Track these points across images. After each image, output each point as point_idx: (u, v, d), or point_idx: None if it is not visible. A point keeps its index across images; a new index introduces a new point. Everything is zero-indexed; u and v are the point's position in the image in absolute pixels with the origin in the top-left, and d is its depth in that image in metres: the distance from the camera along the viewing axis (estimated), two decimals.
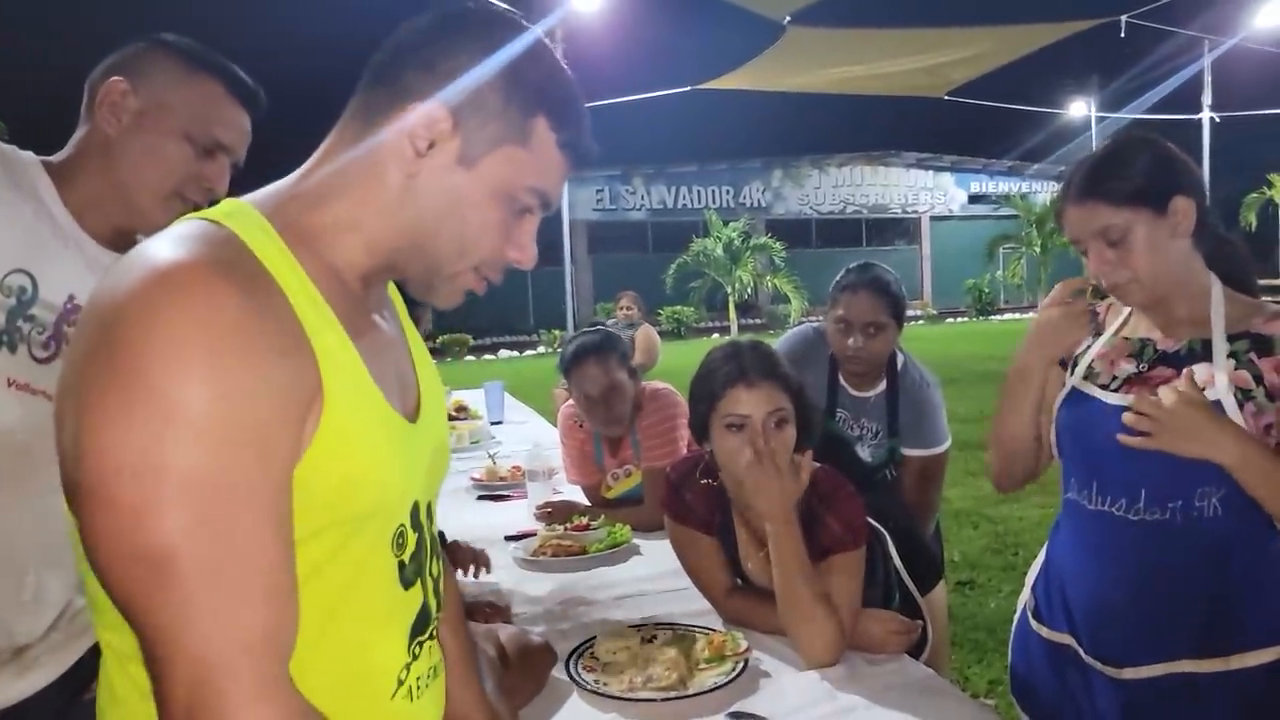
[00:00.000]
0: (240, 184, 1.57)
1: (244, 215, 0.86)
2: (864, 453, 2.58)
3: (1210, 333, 1.54)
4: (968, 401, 8.15)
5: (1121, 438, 1.51)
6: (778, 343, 2.71)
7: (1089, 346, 1.70)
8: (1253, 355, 1.51)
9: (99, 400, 0.72)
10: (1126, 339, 1.66)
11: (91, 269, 1.46)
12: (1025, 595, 1.83)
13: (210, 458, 0.72)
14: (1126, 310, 1.69)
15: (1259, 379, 1.49)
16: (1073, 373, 1.71)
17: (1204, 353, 1.54)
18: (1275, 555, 1.54)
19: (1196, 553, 1.53)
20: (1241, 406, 1.49)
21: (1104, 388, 1.62)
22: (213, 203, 1.54)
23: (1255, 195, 25.17)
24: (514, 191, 0.92)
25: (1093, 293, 1.67)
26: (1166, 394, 1.47)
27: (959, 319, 24.28)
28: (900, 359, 2.60)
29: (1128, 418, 1.50)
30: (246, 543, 0.74)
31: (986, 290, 25.97)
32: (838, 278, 2.57)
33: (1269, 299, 1.66)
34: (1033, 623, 1.78)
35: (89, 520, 0.73)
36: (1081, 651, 1.66)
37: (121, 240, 1.54)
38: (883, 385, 2.58)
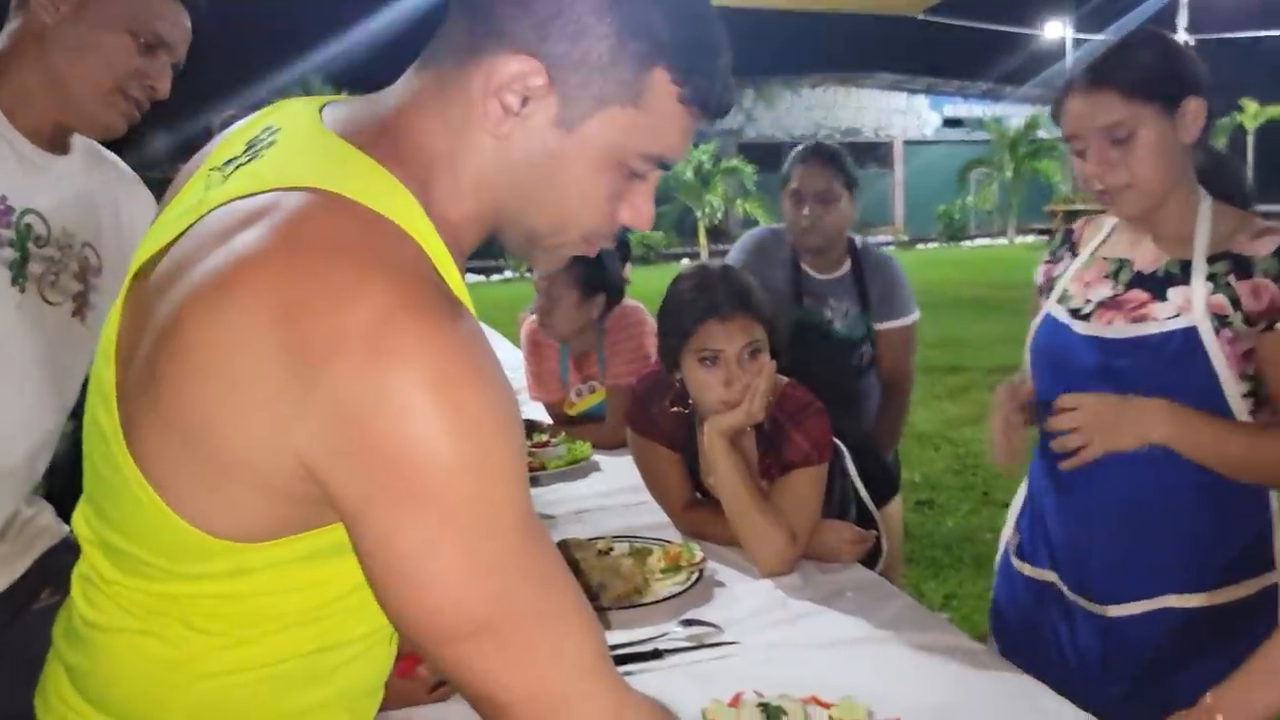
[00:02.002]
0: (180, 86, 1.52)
1: (397, 196, 0.75)
2: (838, 329, 2.61)
3: (1191, 253, 1.49)
4: (937, 327, 8.18)
5: (1062, 465, 1.53)
6: (733, 251, 2.72)
7: (1066, 268, 1.65)
8: (1231, 277, 1.45)
9: (391, 498, 0.68)
10: (1104, 259, 1.60)
11: (25, 168, 1.41)
12: (1008, 532, 1.79)
13: (516, 494, 0.72)
14: (1107, 227, 1.63)
15: (1236, 303, 1.44)
16: (1048, 296, 1.66)
17: (1182, 275, 1.49)
18: (1253, 485, 1.54)
19: (1178, 484, 1.50)
20: (1217, 333, 1.44)
21: (1076, 312, 1.58)
22: (154, 102, 1.50)
23: (1225, 120, 25.19)
24: (623, 158, 0.80)
25: (1064, 218, 1.65)
26: (1067, 400, 1.49)
27: (930, 244, 24.32)
28: (858, 240, 2.68)
29: (1055, 444, 1.52)
30: (552, 570, 0.74)
31: (958, 216, 25.97)
32: (790, 155, 2.63)
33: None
34: (1015, 560, 1.75)
35: (400, 595, 0.71)
36: (1065, 589, 1.64)
37: (58, 138, 1.48)
38: (847, 265, 2.64)
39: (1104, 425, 1.46)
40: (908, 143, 29.90)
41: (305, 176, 0.73)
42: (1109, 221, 1.63)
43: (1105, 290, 1.56)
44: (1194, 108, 1.44)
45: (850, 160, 2.64)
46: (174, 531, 0.74)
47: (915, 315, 2.72)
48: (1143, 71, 1.44)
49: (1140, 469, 1.50)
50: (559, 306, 2.73)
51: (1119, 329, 1.51)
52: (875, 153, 30.00)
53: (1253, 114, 25.01)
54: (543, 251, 0.87)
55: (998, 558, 1.84)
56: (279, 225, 0.70)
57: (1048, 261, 1.73)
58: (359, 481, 0.68)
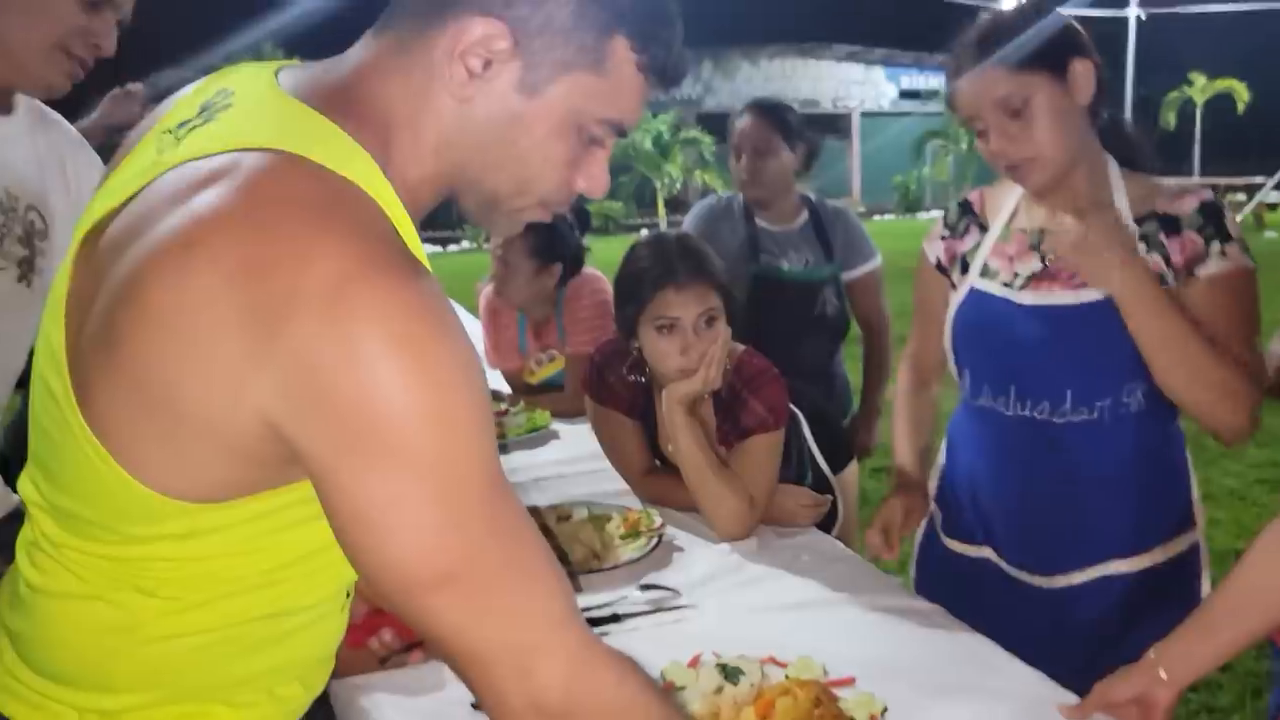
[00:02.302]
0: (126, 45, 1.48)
1: (357, 158, 0.75)
2: (797, 274, 2.64)
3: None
4: (892, 297, 8.20)
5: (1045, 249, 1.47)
6: (686, 221, 2.74)
7: (977, 244, 1.62)
8: (1161, 235, 1.45)
9: (353, 450, 0.69)
10: (1022, 231, 1.57)
11: None
12: (929, 508, 1.77)
13: (485, 450, 0.73)
14: (1013, 199, 1.59)
15: (1168, 260, 1.45)
16: (965, 273, 1.62)
17: None
18: (1178, 437, 1.57)
19: (1126, 450, 1.51)
20: None
21: (1008, 286, 1.55)
22: (99, 61, 1.46)
23: (1175, 94, 25.55)
24: (583, 123, 0.82)
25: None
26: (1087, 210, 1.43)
27: (887, 216, 24.48)
28: (813, 196, 2.72)
29: (1047, 244, 1.47)
30: (519, 524, 0.75)
31: (914, 188, 26.14)
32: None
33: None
34: (945, 539, 1.73)
35: (369, 547, 0.71)
36: (1004, 564, 1.63)
37: (1, 98, 1.44)
38: (804, 217, 2.68)
39: (1088, 247, 1.40)
40: (865, 114, 30.00)
41: (264, 138, 0.73)
42: (1012, 192, 1.59)
43: (1033, 263, 1.53)
44: (1081, 69, 1.43)
45: (794, 115, 2.67)
46: (127, 493, 0.73)
47: (879, 259, 2.79)
48: (1024, 41, 1.44)
49: (1091, 436, 1.50)
50: (515, 275, 2.71)
51: (1061, 297, 1.49)
52: (833, 124, 30.06)
53: (1201, 88, 25.40)
54: (501, 216, 0.87)
55: (918, 536, 1.81)
56: (240, 185, 0.70)
57: (946, 238, 1.68)
58: (327, 438, 0.68)
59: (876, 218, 23.55)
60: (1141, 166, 1.56)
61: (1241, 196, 16.62)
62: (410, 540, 0.70)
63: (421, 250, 0.77)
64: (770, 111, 2.64)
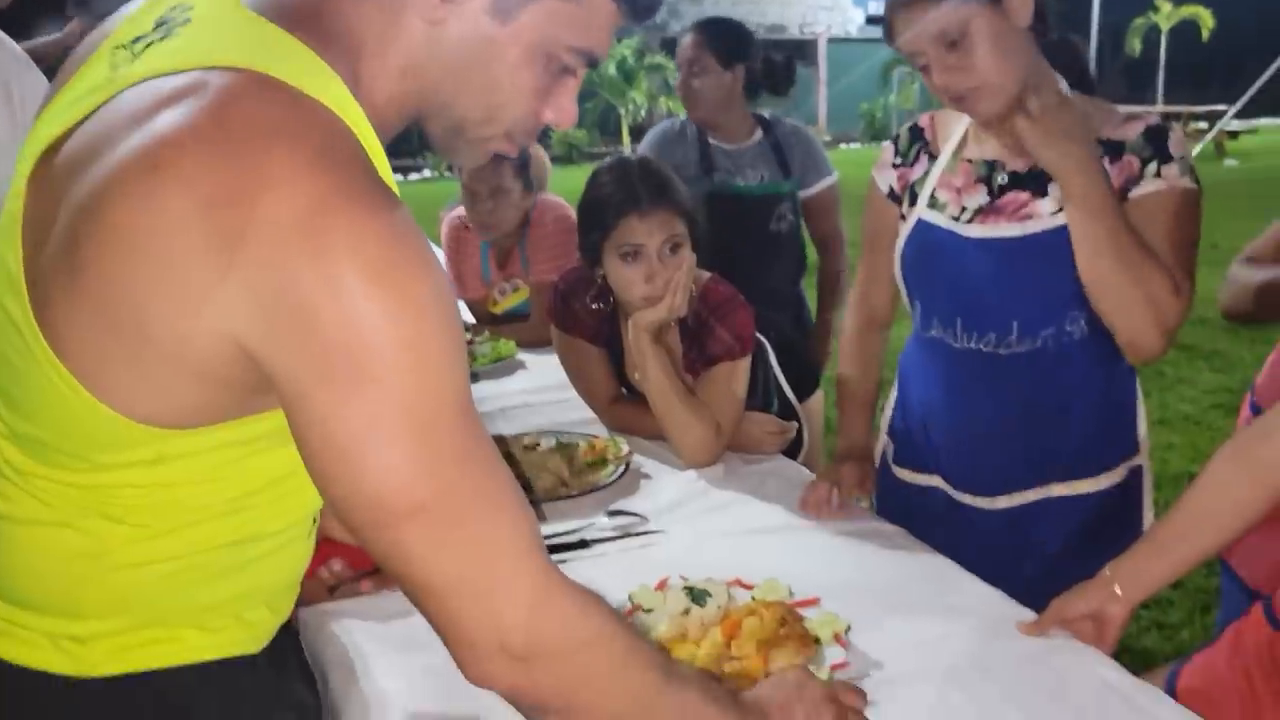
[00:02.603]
0: None
1: (328, 80, 0.73)
2: (752, 189, 2.64)
3: None
4: (853, 227, 8.20)
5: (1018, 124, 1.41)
6: (642, 145, 2.72)
7: (926, 173, 1.59)
8: (1105, 160, 1.43)
9: (329, 377, 0.68)
10: (969, 161, 1.55)
11: None
12: (882, 440, 1.79)
13: (457, 380, 0.72)
14: (961, 126, 1.57)
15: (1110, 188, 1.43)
16: (914, 203, 1.60)
17: None
18: (1124, 368, 1.58)
19: (1069, 378, 1.52)
20: None
21: (956, 220, 1.53)
22: None
23: (1140, 20, 25.46)
24: (554, 51, 0.80)
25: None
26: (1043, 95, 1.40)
27: (852, 144, 24.36)
28: (768, 114, 2.72)
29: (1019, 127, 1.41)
30: (489, 456, 0.75)
31: (880, 115, 26.00)
32: None
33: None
34: (895, 468, 1.75)
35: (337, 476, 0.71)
36: (950, 490, 1.65)
37: None
38: (759, 134, 2.67)
39: (1049, 129, 1.38)
40: (832, 40, 29.66)
41: (231, 56, 0.71)
42: (961, 119, 1.57)
43: (980, 196, 1.52)
44: None
45: (736, 34, 2.66)
46: (94, 418, 0.72)
47: (836, 176, 2.80)
48: None
49: (1035, 366, 1.51)
50: (505, 201, 2.68)
51: (1007, 229, 1.49)
52: (800, 51, 29.69)
53: (1166, 14, 25.29)
54: (466, 144, 0.86)
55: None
56: (208, 105, 0.68)
57: (898, 165, 1.65)
58: (304, 365, 0.68)
59: (843, 145, 23.43)
60: (1091, 89, 1.54)
61: (1204, 124, 16.70)
62: (382, 469, 0.70)
63: (392, 177, 0.76)
64: (705, 29, 2.63)
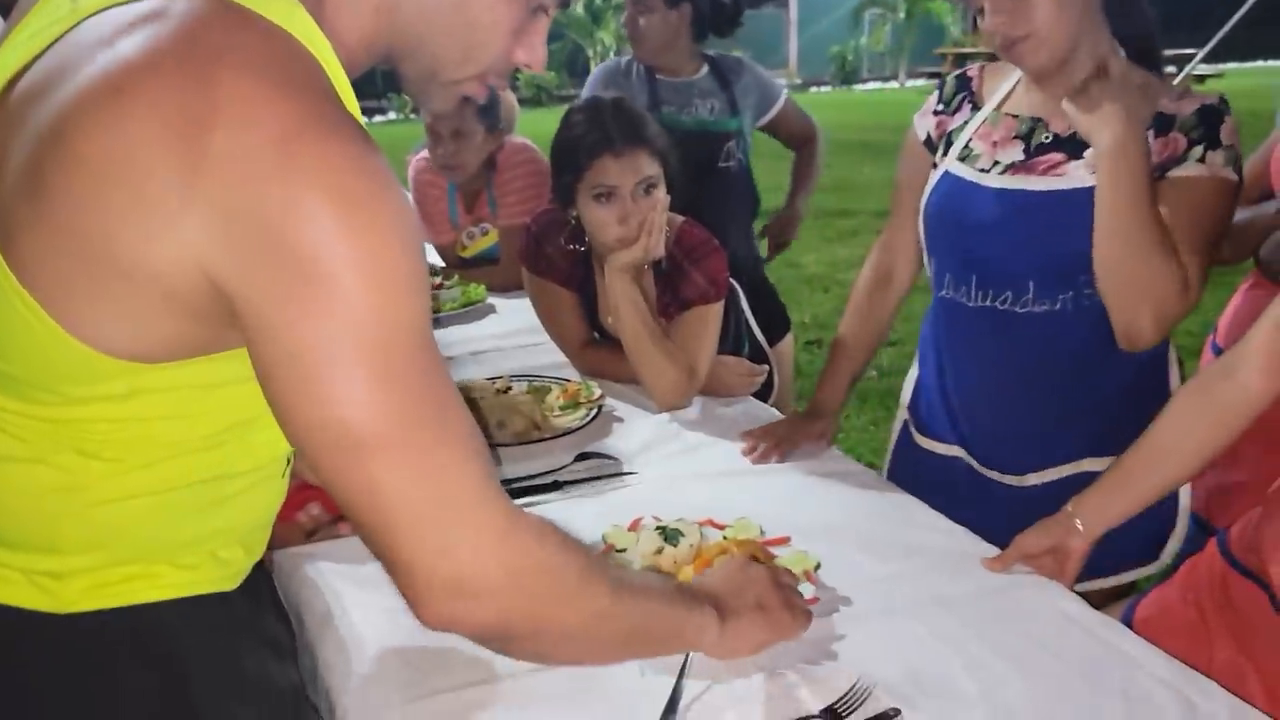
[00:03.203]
0: None
1: (293, 10, 0.73)
2: (700, 121, 2.64)
3: None
4: (827, 171, 8.19)
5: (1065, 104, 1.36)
6: (588, 83, 2.73)
7: (966, 123, 1.54)
8: (1150, 134, 1.36)
9: (289, 292, 0.68)
10: (1014, 116, 1.49)
11: None
12: (901, 414, 1.77)
13: (419, 311, 0.73)
14: (1012, 79, 1.51)
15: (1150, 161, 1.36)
16: (946, 153, 1.55)
17: None
18: (1160, 352, 1.50)
19: (1089, 341, 1.45)
20: None
21: (984, 172, 1.48)
22: None
23: None
24: None
25: (954, 61, 1.58)
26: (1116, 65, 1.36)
27: (823, 88, 24.20)
28: (711, 51, 2.73)
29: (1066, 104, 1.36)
30: (448, 388, 0.75)
31: (851, 58, 25.81)
32: None
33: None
34: (917, 437, 1.71)
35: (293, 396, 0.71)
36: (975, 462, 1.61)
37: None
38: (705, 68, 2.67)
39: (1090, 96, 1.33)
40: None
41: None
42: (1011, 74, 1.52)
43: (1016, 153, 1.46)
44: None
45: None
46: (64, 351, 0.71)
47: (786, 92, 2.84)
48: None
49: (1053, 325, 1.45)
50: (468, 143, 2.64)
51: (1032, 183, 1.44)
52: None
53: None
54: (440, 86, 0.85)
55: (892, 440, 1.81)
56: (174, 30, 0.68)
57: (939, 113, 1.60)
58: (266, 287, 0.68)
59: (813, 89, 23.26)
60: (1156, 58, 1.47)
61: (1172, 68, 16.72)
62: (340, 394, 0.69)
63: (358, 111, 0.76)
64: None
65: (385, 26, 0.80)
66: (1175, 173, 1.36)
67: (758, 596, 1.06)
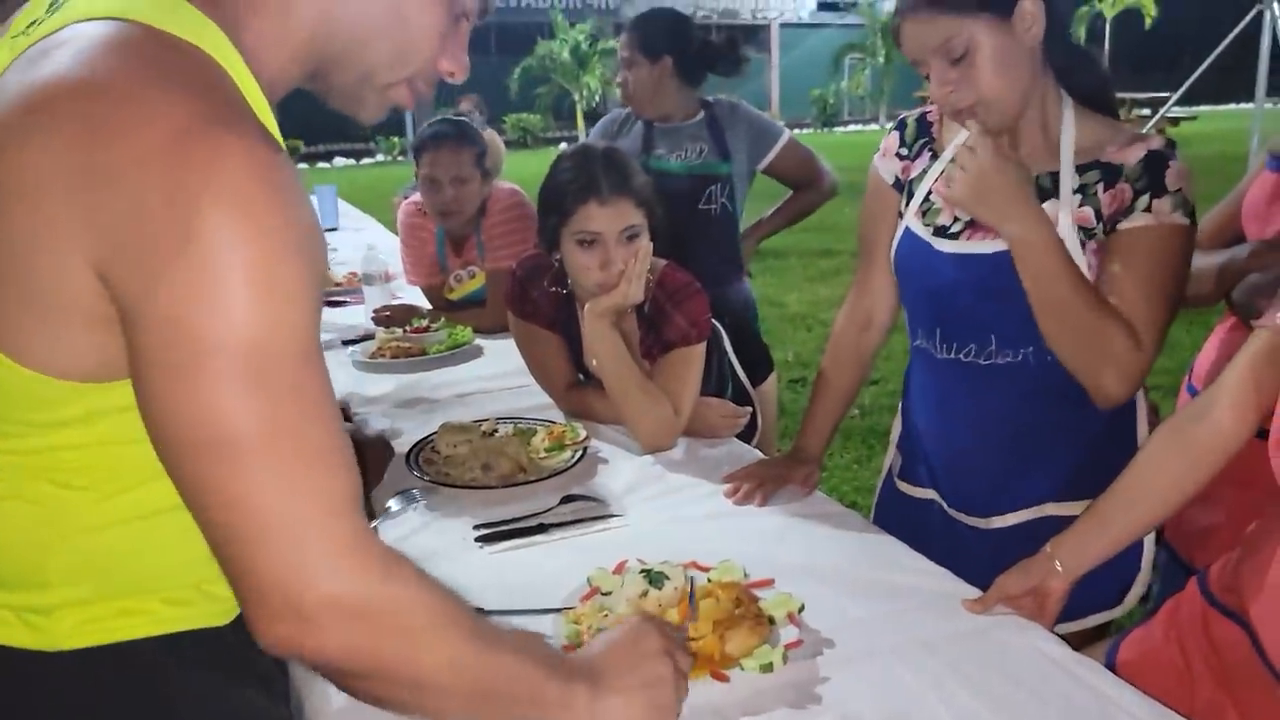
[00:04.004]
0: None
1: (204, 28, 0.74)
2: (682, 166, 2.69)
3: (1059, 165, 1.42)
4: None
5: (935, 187, 1.45)
6: (591, 134, 2.80)
7: (925, 170, 1.55)
8: (1099, 187, 1.39)
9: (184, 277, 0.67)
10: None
11: None
12: (890, 455, 1.78)
13: (303, 322, 0.71)
14: (970, 127, 1.49)
15: (1099, 214, 1.40)
16: (908, 203, 1.56)
17: (1053, 188, 1.42)
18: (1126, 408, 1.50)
19: (1051, 392, 1.46)
20: (1084, 246, 1.40)
21: (943, 230, 1.50)
22: None
23: (1085, 8, 25.83)
24: None
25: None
26: (979, 145, 1.37)
27: (805, 130, 24.48)
28: (711, 97, 2.79)
29: (938, 186, 1.43)
30: (322, 404, 0.73)
31: (832, 101, 26.15)
32: None
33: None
34: (898, 482, 1.74)
35: (166, 390, 0.69)
36: (945, 505, 1.63)
37: None
38: (701, 114, 2.72)
39: (981, 188, 1.37)
40: (784, 26, 29.74)
41: (105, 10, 0.73)
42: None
43: None
44: (1029, 9, 1.34)
45: (658, 24, 2.73)
46: (17, 379, 0.73)
47: (788, 132, 2.85)
48: None
49: (1016, 377, 1.47)
50: (467, 189, 2.67)
51: (983, 245, 1.45)
52: (753, 36, 29.73)
53: (1111, 2, 25.70)
54: (373, 91, 0.87)
55: (879, 482, 1.82)
56: (80, 49, 0.70)
57: (902, 156, 1.61)
58: (144, 284, 0.67)
59: (795, 132, 23.46)
60: (1109, 104, 1.50)
61: (1146, 111, 17.00)
62: (204, 395, 0.68)
63: (276, 128, 0.77)
64: (634, 26, 2.73)
65: (321, 34, 0.82)
66: (1124, 225, 1.39)
67: (643, 676, 0.93)
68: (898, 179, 1.61)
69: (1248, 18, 10.23)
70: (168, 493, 0.76)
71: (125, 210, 0.66)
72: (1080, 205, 1.42)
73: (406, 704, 0.80)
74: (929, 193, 1.54)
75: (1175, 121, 17.35)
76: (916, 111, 1.64)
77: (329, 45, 0.83)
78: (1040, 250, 1.36)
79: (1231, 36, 10.59)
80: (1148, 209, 1.37)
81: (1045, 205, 1.41)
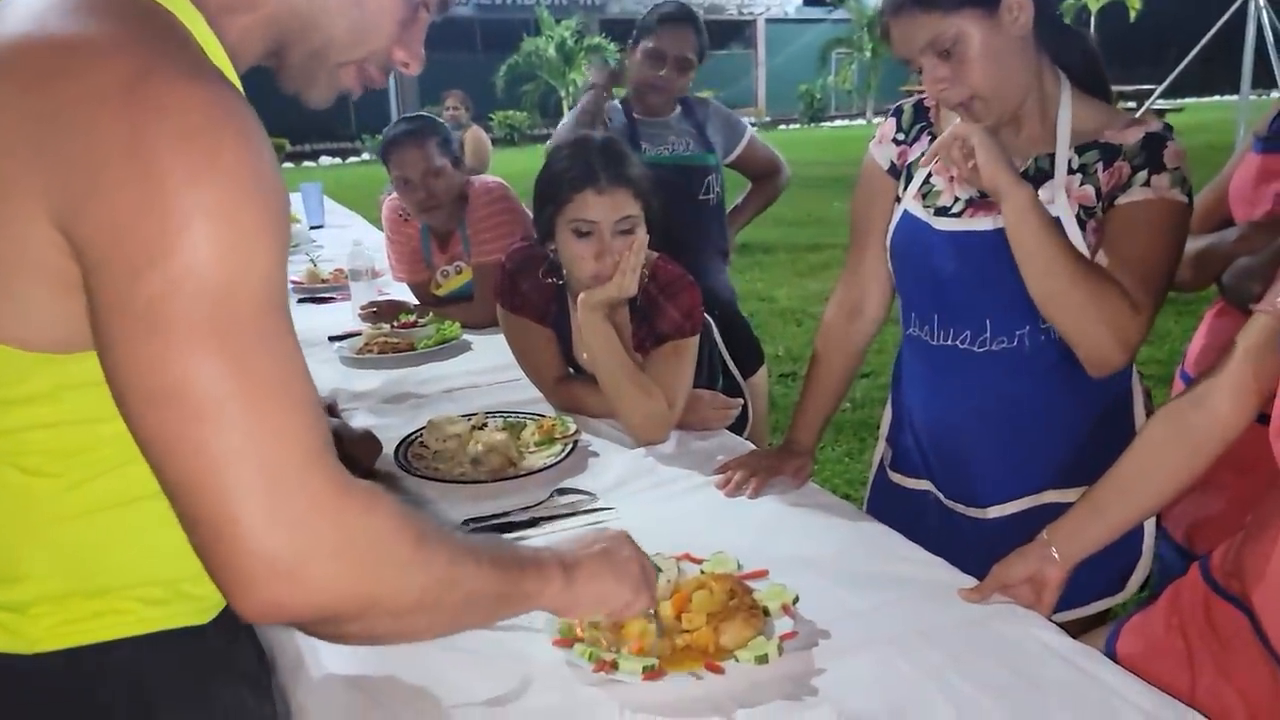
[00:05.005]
0: None
1: None
2: (682, 157, 2.71)
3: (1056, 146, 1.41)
4: (797, 206, 8.33)
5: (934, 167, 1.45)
6: (560, 126, 2.79)
7: (922, 153, 1.52)
8: (1099, 166, 1.40)
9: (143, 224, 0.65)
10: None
11: None
12: (880, 448, 1.78)
13: (267, 268, 0.69)
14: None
15: (1099, 193, 1.40)
16: (905, 188, 1.55)
17: (1051, 170, 1.42)
18: (1120, 375, 1.49)
19: (1047, 377, 1.47)
20: (1084, 226, 1.40)
21: (944, 210, 1.49)
22: None
23: (1071, 1, 25.91)
24: None
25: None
26: (968, 127, 1.37)
27: (791, 125, 24.50)
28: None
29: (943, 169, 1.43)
30: (291, 350, 0.72)
31: (819, 96, 26.19)
32: (651, 10, 2.72)
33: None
34: (891, 474, 1.72)
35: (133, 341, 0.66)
36: (941, 496, 1.62)
37: None
38: (678, 108, 2.76)
39: (999, 151, 1.36)
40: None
41: None
42: None
43: (974, 188, 1.46)
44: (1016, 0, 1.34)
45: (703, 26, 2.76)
46: None
47: (751, 128, 2.93)
48: None
49: (1011, 363, 1.47)
50: (440, 179, 2.65)
51: (984, 222, 1.44)
52: (738, 32, 29.76)
53: None
54: (326, 73, 0.87)
55: (871, 474, 1.81)
56: (32, 9, 0.70)
57: (899, 141, 1.60)
58: (104, 231, 0.65)
59: (782, 127, 23.53)
60: (1104, 86, 1.49)
61: (1132, 103, 17.08)
62: (172, 347, 0.65)
63: (236, 78, 0.77)
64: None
65: (283, 6, 0.82)
66: (1122, 200, 1.38)
67: (613, 564, 1.02)
68: (893, 164, 1.60)
69: (1232, 9, 10.28)
70: (140, 480, 0.73)
71: (81, 153, 0.65)
72: (1081, 185, 1.41)
73: (399, 633, 0.81)
74: (929, 175, 1.53)
75: (1161, 114, 17.41)
76: (913, 98, 1.63)
77: (291, 19, 0.82)
78: (1035, 218, 1.35)
79: (1216, 28, 10.64)
80: (1146, 184, 1.37)
81: (1046, 187, 1.41)
